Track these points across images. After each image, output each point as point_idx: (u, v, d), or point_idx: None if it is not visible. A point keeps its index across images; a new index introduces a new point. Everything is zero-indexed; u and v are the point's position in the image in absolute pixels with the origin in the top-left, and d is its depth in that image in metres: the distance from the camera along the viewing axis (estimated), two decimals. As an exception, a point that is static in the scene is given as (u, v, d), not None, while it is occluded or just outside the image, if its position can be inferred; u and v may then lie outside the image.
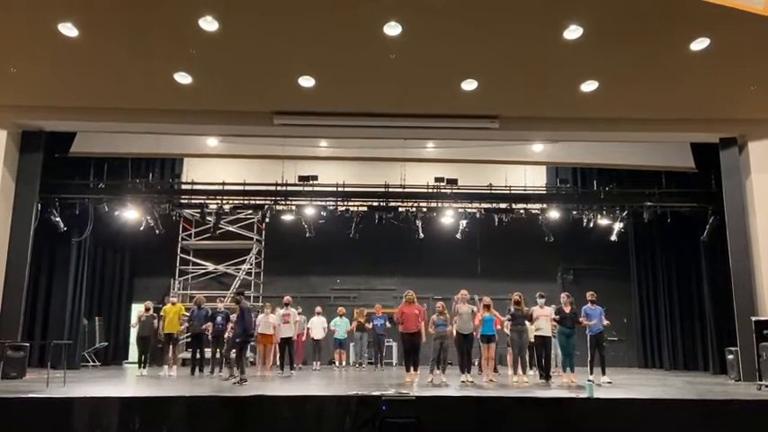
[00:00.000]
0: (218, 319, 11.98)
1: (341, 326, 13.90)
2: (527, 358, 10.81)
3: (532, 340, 10.70)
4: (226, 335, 11.67)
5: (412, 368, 10.12)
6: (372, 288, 16.17)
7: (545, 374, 10.25)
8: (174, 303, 12.36)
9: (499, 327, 10.80)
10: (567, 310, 10.37)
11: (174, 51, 10.03)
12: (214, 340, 12.02)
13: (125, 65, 10.26)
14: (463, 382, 9.70)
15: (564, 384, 9.88)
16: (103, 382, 10.20)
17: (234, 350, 10.14)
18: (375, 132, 12.48)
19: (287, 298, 12.54)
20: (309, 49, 9.91)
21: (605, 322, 10.49)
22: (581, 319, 10.35)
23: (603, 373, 10.22)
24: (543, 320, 10.34)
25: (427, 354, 10.45)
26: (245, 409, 7.09)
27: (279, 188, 14.09)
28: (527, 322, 10.52)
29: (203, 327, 11.99)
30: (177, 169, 15.29)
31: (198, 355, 12.18)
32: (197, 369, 12.06)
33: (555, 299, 11.23)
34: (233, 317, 12.07)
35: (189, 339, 13.16)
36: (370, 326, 13.70)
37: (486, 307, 10.47)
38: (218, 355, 12.09)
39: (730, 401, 7.77)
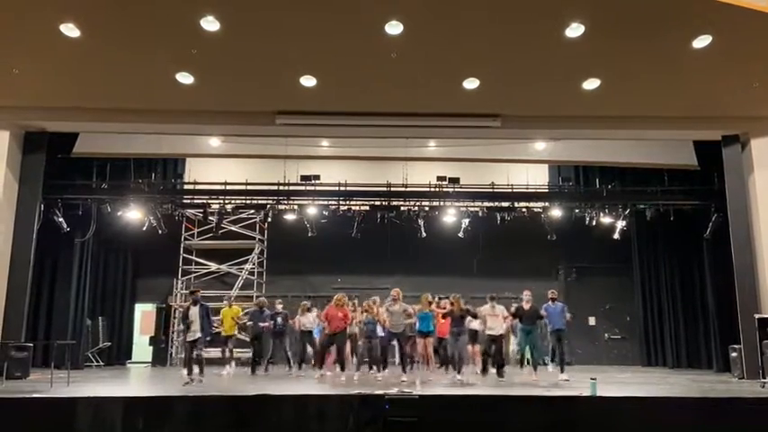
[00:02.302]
0: (279, 320, 12.30)
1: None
2: (465, 356, 10.77)
3: (486, 337, 10.76)
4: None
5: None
6: (374, 287, 16.11)
7: (498, 371, 10.33)
8: (230, 306, 12.78)
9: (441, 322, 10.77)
10: (527, 307, 10.43)
11: (176, 51, 10.04)
12: (275, 339, 12.34)
13: (127, 65, 10.27)
14: (404, 381, 9.62)
15: (524, 380, 9.94)
16: (107, 382, 10.24)
17: (195, 350, 9.92)
18: (377, 131, 12.48)
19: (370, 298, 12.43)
20: (311, 48, 9.91)
21: (567, 317, 10.55)
22: (542, 313, 10.46)
23: (562, 370, 10.32)
24: (493, 320, 10.41)
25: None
26: (249, 409, 7.09)
27: (281, 188, 14.10)
28: (476, 322, 10.55)
29: (263, 327, 12.17)
30: (180, 169, 15.35)
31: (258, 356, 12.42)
32: (259, 368, 12.27)
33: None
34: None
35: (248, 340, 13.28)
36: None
37: (428, 304, 10.46)
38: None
39: (733, 399, 7.78)
